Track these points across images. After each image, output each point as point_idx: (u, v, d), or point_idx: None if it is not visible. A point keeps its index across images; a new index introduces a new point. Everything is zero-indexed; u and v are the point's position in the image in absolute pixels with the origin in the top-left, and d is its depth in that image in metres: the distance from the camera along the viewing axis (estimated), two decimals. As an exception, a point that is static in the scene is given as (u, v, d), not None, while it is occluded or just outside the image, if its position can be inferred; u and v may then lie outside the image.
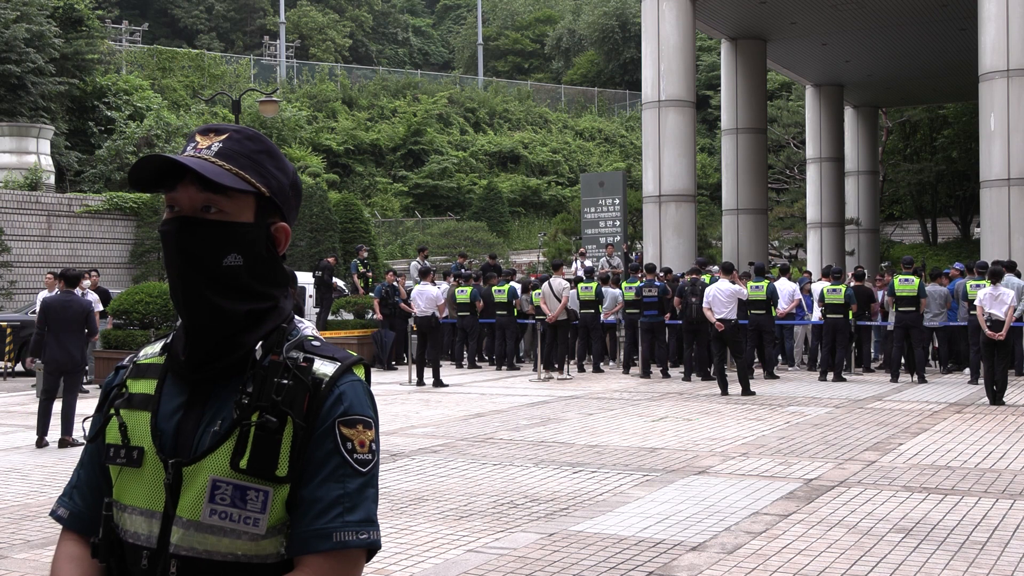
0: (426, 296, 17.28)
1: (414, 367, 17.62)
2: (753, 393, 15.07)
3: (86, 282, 16.59)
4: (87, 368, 17.19)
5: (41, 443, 11.00)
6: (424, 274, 17.76)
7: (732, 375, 16.01)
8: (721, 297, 15.23)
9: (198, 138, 1.73)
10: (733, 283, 15.70)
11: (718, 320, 15.14)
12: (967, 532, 6.81)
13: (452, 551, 6.45)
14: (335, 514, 1.63)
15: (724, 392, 15.16)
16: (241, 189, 1.69)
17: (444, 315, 18.49)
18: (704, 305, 15.63)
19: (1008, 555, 6.25)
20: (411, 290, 18.85)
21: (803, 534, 6.81)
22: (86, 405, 12.57)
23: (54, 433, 11.38)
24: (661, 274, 19.63)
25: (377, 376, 18.51)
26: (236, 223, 1.70)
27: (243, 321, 1.71)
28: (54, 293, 11.69)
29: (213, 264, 1.68)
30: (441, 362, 21.37)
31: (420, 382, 17.00)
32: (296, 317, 1.76)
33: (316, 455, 1.65)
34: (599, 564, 6.11)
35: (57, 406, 11.41)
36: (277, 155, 1.77)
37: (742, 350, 15.65)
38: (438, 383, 16.76)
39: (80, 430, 11.03)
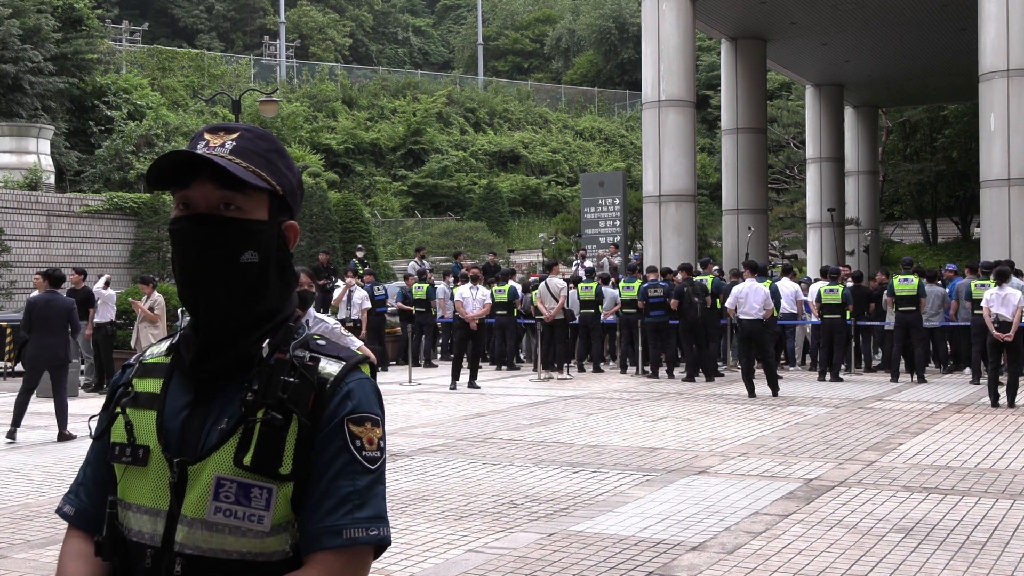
0: (475, 298, 17.19)
1: (408, 366, 17.60)
2: (778, 392, 15.02)
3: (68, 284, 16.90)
4: (83, 368, 17.28)
5: (11, 434, 11.28)
6: (467, 278, 17.82)
7: (734, 374, 15.99)
8: (755, 297, 15.10)
9: (207, 136, 1.73)
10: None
11: (748, 319, 15.04)
12: (967, 532, 6.81)
13: (452, 551, 6.46)
14: (345, 511, 1.64)
15: (751, 394, 14.83)
16: (259, 187, 1.70)
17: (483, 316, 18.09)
18: (729, 304, 15.55)
19: (1008, 555, 6.26)
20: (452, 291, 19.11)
21: (803, 534, 6.81)
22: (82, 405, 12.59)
23: (35, 433, 11.58)
24: (678, 275, 19.15)
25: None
26: (254, 220, 1.71)
27: (254, 319, 1.72)
28: (38, 293, 11.97)
29: (231, 261, 1.68)
30: (438, 363, 21.46)
31: (454, 385, 16.49)
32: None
33: (325, 453, 1.66)
34: (599, 564, 6.12)
35: (50, 405, 11.65)
36: (285, 154, 1.78)
37: (769, 352, 15.49)
38: (473, 384, 16.56)
39: (86, 428, 11.20)
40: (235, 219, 1.69)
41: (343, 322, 16.98)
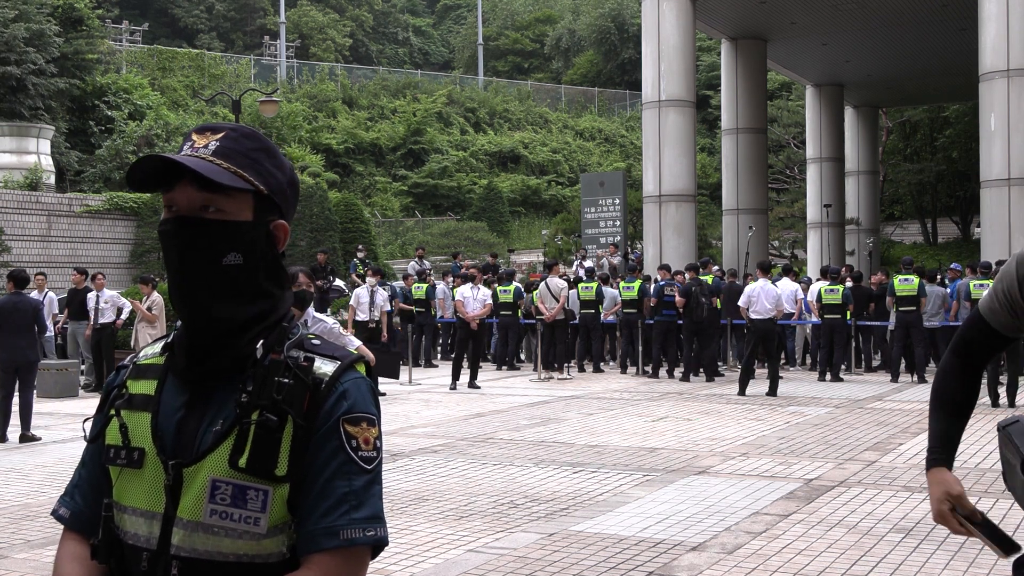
0: (475, 298, 17.13)
1: (408, 366, 17.56)
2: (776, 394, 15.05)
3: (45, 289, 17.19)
4: (83, 368, 17.27)
5: (1, 439, 11.40)
6: (466, 278, 17.74)
7: (734, 374, 16.01)
8: (766, 297, 15.17)
9: (195, 137, 1.72)
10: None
11: (759, 319, 15.12)
12: (967, 532, 6.80)
13: (452, 551, 6.45)
14: (342, 512, 1.63)
15: (742, 392, 14.97)
16: (239, 188, 1.68)
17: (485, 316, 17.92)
18: (741, 303, 15.60)
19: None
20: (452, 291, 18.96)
21: (803, 534, 6.81)
22: (80, 405, 12.58)
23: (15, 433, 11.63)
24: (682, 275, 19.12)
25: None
26: (235, 222, 1.69)
27: (243, 320, 1.70)
28: (6, 295, 11.99)
29: (213, 263, 1.67)
30: (438, 363, 21.46)
31: (454, 385, 16.49)
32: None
33: (320, 453, 1.65)
34: (599, 564, 6.11)
35: (48, 405, 11.63)
36: (274, 153, 1.75)
37: (775, 353, 15.61)
38: (474, 384, 16.53)
39: (81, 430, 11.15)
40: (216, 221, 1.67)
41: (365, 323, 16.82)
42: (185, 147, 1.71)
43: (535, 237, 40.99)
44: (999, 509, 7.48)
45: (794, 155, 42.51)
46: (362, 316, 16.96)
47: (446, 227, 39.05)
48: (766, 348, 15.26)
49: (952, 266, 20.35)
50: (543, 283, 18.64)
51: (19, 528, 7.27)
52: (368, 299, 17.15)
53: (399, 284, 21.94)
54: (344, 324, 17.30)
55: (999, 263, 16.08)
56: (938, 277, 18.22)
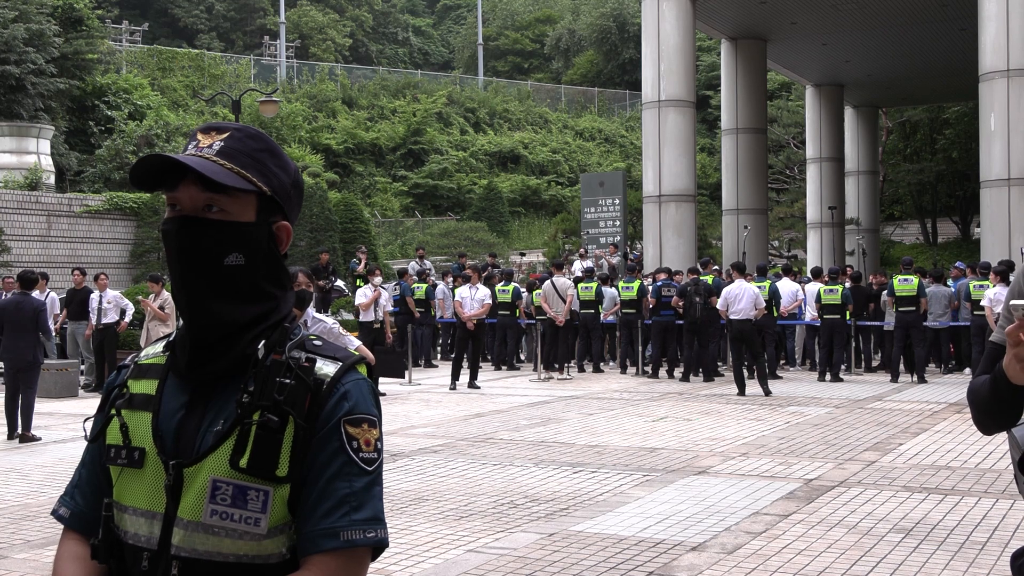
0: (473, 298, 17.10)
1: (408, 366, 17.52)
2: (771, 393, 15.09)
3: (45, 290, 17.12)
4: (83, 368, 17.27)
5: (11, 436, 11.51)
6: (467, 278, 17.70)
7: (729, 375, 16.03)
8: (745, 298, 15.24)
9: (199, 136, 1.72)
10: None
11: (738, 319, 15.17)
12: (967, 532, 6.81)
13: (452, 551, 6.45)
14: (342, 513, 1.63)
15: (741, 392, 15.11)
16: (243, 188, 1.67)
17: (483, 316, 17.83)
18: (720, 305, 15.68)
19: (1008, 555, 6.24)
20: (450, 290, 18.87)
21: (803, 534, 6.81)
22: (79, 405, 12.58)
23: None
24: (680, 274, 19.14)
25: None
26: (238, 222, 1.68)
27: (244, 320, 1.70)
28: (9, 295, 12.04)
29: (215, 264, 1.67)
30: (438, 363, 21.45)
31: (454, 385, 16.49)
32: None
33: (321, 454, 1.65)
34: (599, 564, 6.11)
35: (49, 405, 11.66)
36: (279, 153, 1.75)
37: (761, 352, 15.65)
38: (473, 384, 16.54)
39: (81, 430, 11.16)
40: (219, 221, 1.67)
41: (371, 324, 16.80)
42: (190, 146, 1.71)
43: (535, 237, 40.97)
44: (999, 509, 7.48)
45: (794, 155, 42.50)
46: (366, 316, 16.95)
47: (446, 227, 39.02)
48: (749, 349, 15.38)
49: (956, 264, 20.38)
50: (547, 282, 18.60)
51: (19, 528, 7.27)
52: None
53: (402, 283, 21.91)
54: (352, 324, 17.25)
55: (1000, 263, 16.08)
56: (944, 277, 18.23)
